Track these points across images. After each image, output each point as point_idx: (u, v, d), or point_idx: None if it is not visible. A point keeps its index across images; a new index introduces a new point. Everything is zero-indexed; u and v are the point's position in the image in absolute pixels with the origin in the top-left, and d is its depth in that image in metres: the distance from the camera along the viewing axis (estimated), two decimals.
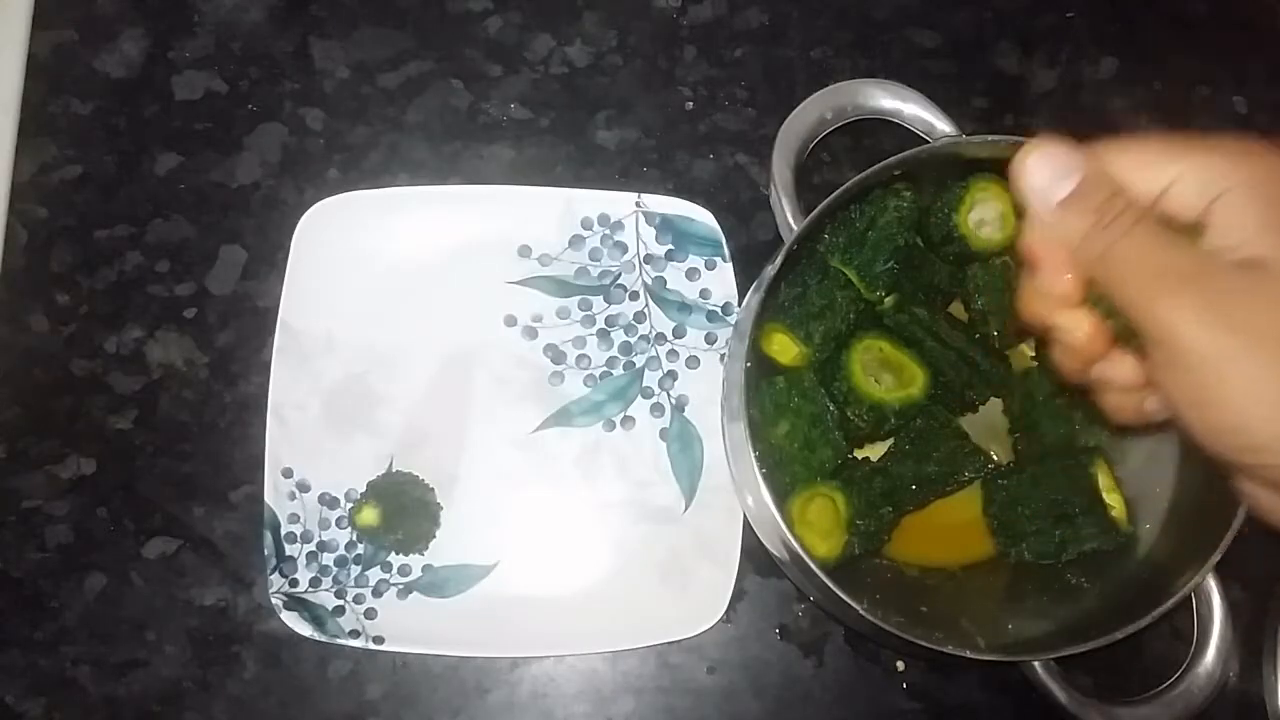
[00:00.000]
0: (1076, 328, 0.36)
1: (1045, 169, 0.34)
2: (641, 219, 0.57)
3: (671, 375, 0.57)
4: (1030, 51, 0.62)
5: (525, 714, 0.54)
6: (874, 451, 0.54)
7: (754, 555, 0.53)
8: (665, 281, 0.57)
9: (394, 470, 0.54)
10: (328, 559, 0.54)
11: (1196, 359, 0.32)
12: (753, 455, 0.46)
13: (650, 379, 0.57)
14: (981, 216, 0.51)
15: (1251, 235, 0.32)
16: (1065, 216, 0.34)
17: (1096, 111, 0.62)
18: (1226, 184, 0.33)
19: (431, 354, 0.56)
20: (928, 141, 0.53)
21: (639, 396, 0.56)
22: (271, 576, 0.52)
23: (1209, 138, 0.34)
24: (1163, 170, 0.34)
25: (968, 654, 0.45)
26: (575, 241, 0.57)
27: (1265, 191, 0.32)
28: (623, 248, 0.57)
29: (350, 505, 0.54)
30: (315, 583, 0.53)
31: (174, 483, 0.55)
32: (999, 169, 0.51)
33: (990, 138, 0.49)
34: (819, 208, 0.48)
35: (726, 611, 0.53)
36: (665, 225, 0.57)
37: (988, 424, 0.55)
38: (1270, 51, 0.63)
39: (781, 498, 0.46)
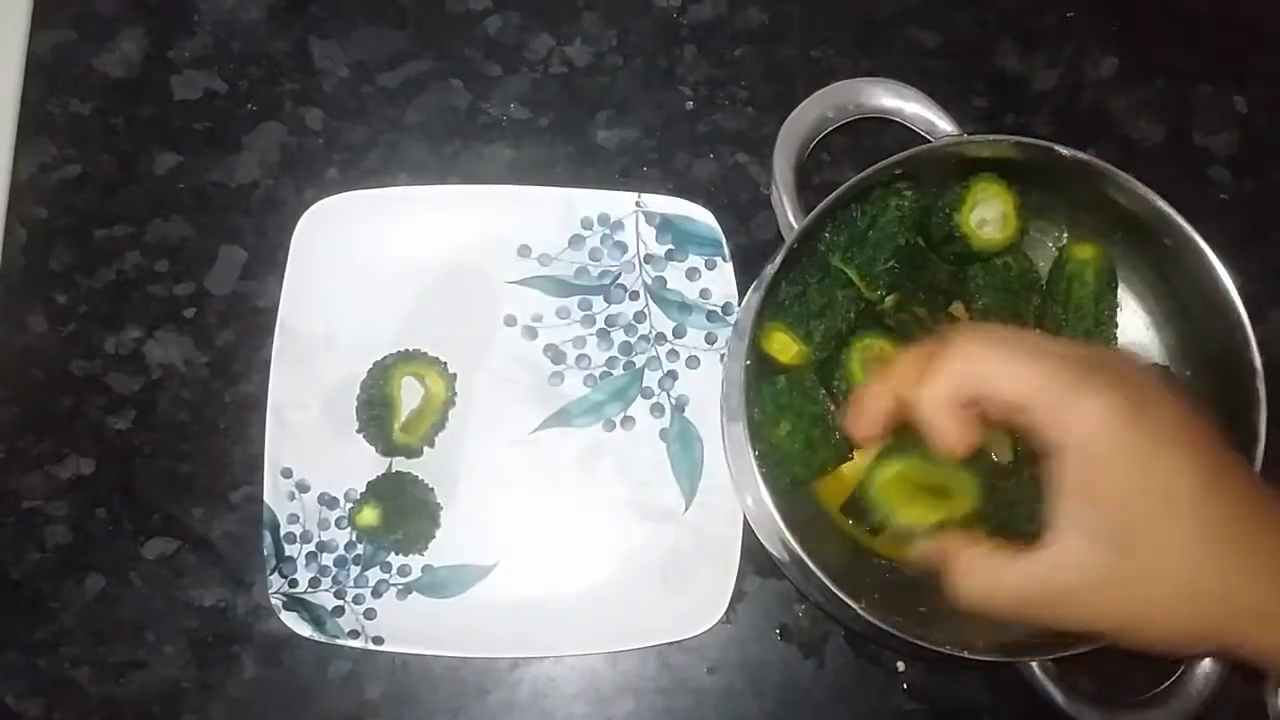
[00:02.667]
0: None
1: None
2: (641, 219, 0.57)
3: (671, 375, 0.56)
4: (1031, 51, 0.62)
5: (525, 714, 0.54)
6: (874, 451, 0.53)
7: (754, 555, 0.53)
8: (665, 281, 0.57)
9: (394, 470, 0.54)
10: (327, 559, 0.53)
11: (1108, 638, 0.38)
12: (753, 455, 0.46)
13: (650, 379, 0.57)
14: (983, 216, 0.51)
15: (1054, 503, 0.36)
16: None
17: (1097, 111, 0.62)
18: (1065, 426, 0.35)
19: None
20: (929, 141, 0.52)
21: (639, 396, 0.56)
22: (271, 577, 0.52)
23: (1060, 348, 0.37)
24: (1006, 379, 0.36)
25: (966, 655, 0.45)
26: (575, 241, 0.57)
27: (1091, 449, 0.35)
28: (623, 247, 0.57)
29: (350, 505, 0.54)
30: (315, 583, 0.53)
31: (173, 483, 0.55)
32: (1000, 169, 0.51)
33: (992, 137, 0.49)
34: (820, 206, 0.48)
35: (726, 612, 0.52)
36: (665, 225, 0.57)
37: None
38: (1270, 51, 0.63)
39: (781, 498, 0.46)
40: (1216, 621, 0.35)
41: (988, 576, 0.37)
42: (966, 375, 0.37)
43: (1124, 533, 0.35)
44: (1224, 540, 0.34)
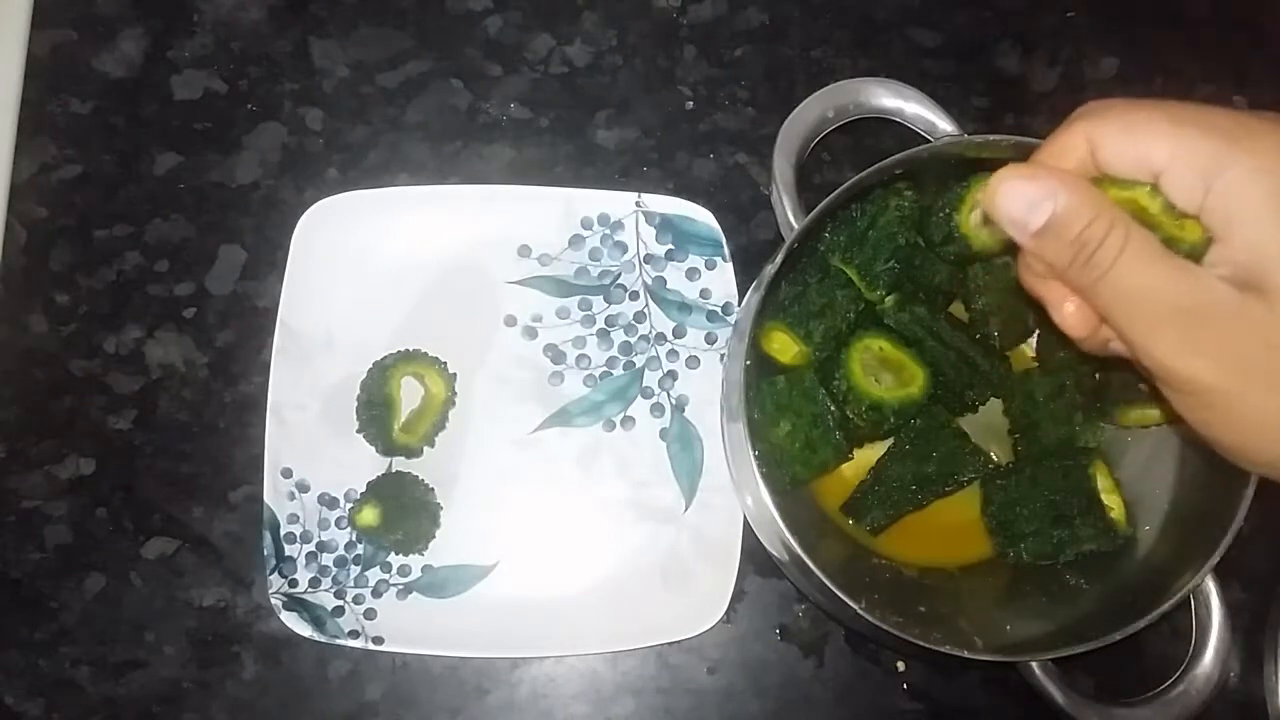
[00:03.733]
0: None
1: (1017, 200, 0.32)
2: (641, 219, 0.57)
3: (671, 375, 0.56)
4: (1031, 51, 0.62)
5: (525, 714, 0.54)
6: (874, 451, 0.54)
7: (754, 555, 0.53)
8: (665, 281, 0.57)
9: (394, 470, 0.54)
10: (327, 559, 0.54)
11: (1192, 390, 0.31)
12: (752, 455, 0.46)
13: (650, 379, 0.57)
14: (983, 216, 0.51)
15: (1253, 240, 0.30)
16: (1044, 249, 0.32)
17: None
18: (1223, 169, 0.30)
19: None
20: (929, 141, 0.53)
21: (639, 396, 0.56)
22: (271, 577, 0.52)
23: (1208, 110, 0.31)
24: (1152, 150, 0.31)
25: (966, 654, 0.45)
26: (575, 241, 0.57)
27: (1269, 181, 0.29)
28: (623, 247, 0.57)
29: (350, 505, 0.54)
30: (315, 583, 0.53)
31: (173, 483, 0.55)
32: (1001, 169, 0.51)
33: (992, 137, 0.49)
34: (820, 206, 0.48)
35: (726, 612, 0.52)
36: (665, 225, 0.57)
37: (988, 424, 0.55)
38: (1270, 51, 0.63)
39: (781, 498, 0.46)
40: None
41: (1124, 253, 0.31)
42: (1101, 132, 0.32)
43: None
44: None
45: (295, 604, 0.52)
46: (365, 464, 0.54)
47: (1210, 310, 0.30)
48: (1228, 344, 0.30)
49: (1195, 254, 0.31)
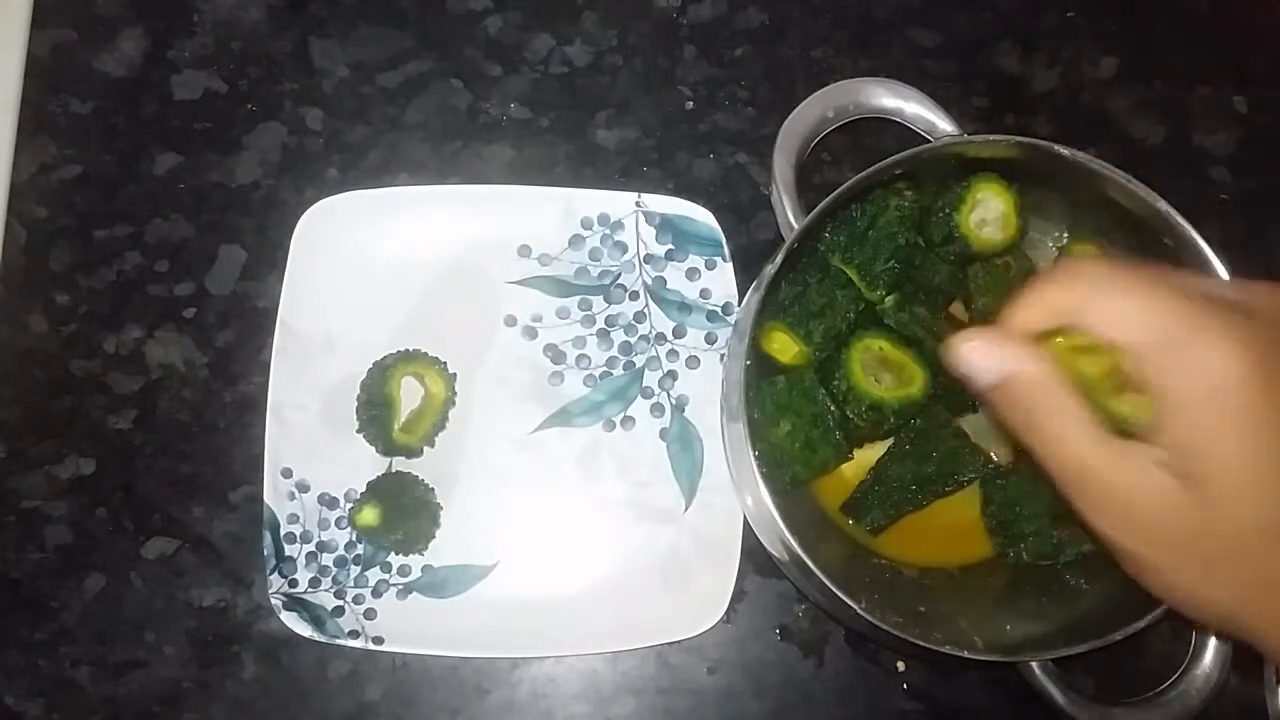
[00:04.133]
0: None
1: (973, 360, 0.34)
2: (641, 219, 0.57)
3: (671, 375, 0.56)
4: (1031, 51, 0.62)
5: (525, 715, 0.54)
6: (874, 451, 0.54)
7: (754, 555, 0.53)
8: (665, 281, 0.57)
9: (394, 470, 0.54)
10: (327, 559, 0.53)
11: (1130, 562, 0.33)
12: (752, 455, 0.46)
13: (650, 379, 0.56)
14: (983, 216, 0.51)
15: (1188, 431, 0.31)
16: (997, 405, 0.34)
17: (1097, 111, 0.62)
18: (1181, 355, 0.31)
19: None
20: (929, 141, 0.52)
21: (639, 396, 0.56)
22: (271, 577, 0.52)
23: (1192, 286, 0.32)
24: (1122, 320, 0.32)
25: (966, 654, 0.45)
26: (575, 241, 0.57)
27: (1218, 376, 0.30)
28: (623, 247, 0.57)
29: (350, 505, 0.54)
30: (315, 583, 0.53)
31: (173, 483, 0.55)
32: (1000, 169, 0.51)
33: (992, 137, 0.49)
34: (820, 206, 0.48)
35: (726, 612, 0.52)
36: (665, 225, 0.57)
37: (988, 424, 0.55)
38: (1270, 51, 0.63)
39: (781, 498, 0.46)
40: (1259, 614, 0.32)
41: (1064, 429, 0.32)
42: (1063, 304, 0.33)
43: (1220, 499, 0.30)
44: None
45: (295, 604, 0.52)
46: (365, 464, 0.54)
47: (1141, 495, 0.32)
48: (1156, 527, 0.32)
49: (1136, 429, 0.32)
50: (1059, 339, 0.34)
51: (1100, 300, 0.32)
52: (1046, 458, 0.33)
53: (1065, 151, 0.49)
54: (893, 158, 0.48)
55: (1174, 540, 0.32)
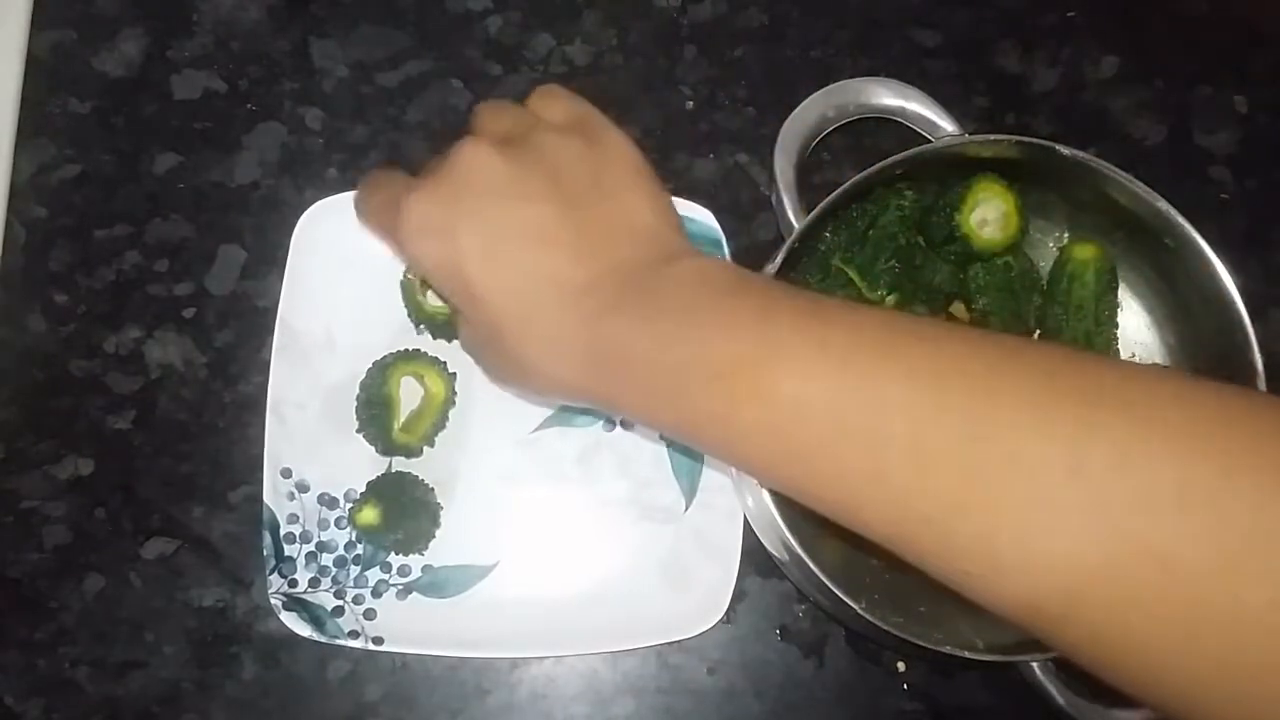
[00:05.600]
0: None
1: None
2: None
3: None
4: (1031, 50, 0.62)
5: (525, 715, 0.54)
6: None
7: (754, 555, 0.53)
8: None
9: (394, 470, 0.54)
10: (327, 559, 0.53)
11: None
12: None
13: None
14: (984, 216, 0.51)
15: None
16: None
17: (1097, 111, 0.62)
18: None
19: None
20: (930, 140, 0.52)
21: None
22: (270, 577, 0.52)
23: None
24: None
25: (966, 654, 0.45)
26: None
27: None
28: None
29: (350, 505, 0.54)
30: (314, 583, 0.53)
31: (173, 483, 0.55)
32: (1002, 169, 0.51)
33: (992, 137, 0.49)
34: (820, 206, 0.48)
35: (727, 612, 0.52)
36: None
37: None
38: (1270, 51, 0.63)
39: (781, 498, 0.46)
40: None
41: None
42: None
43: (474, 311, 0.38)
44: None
45: (295, 604, 0.52)
46: (365, 464, 0.54)
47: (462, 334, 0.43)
48: (472, 349, 0.42)
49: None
50: None
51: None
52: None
53: (1066, 151, 0.49)
54: (893, 157, 0.48)
55: (486, 354, 0.40)
